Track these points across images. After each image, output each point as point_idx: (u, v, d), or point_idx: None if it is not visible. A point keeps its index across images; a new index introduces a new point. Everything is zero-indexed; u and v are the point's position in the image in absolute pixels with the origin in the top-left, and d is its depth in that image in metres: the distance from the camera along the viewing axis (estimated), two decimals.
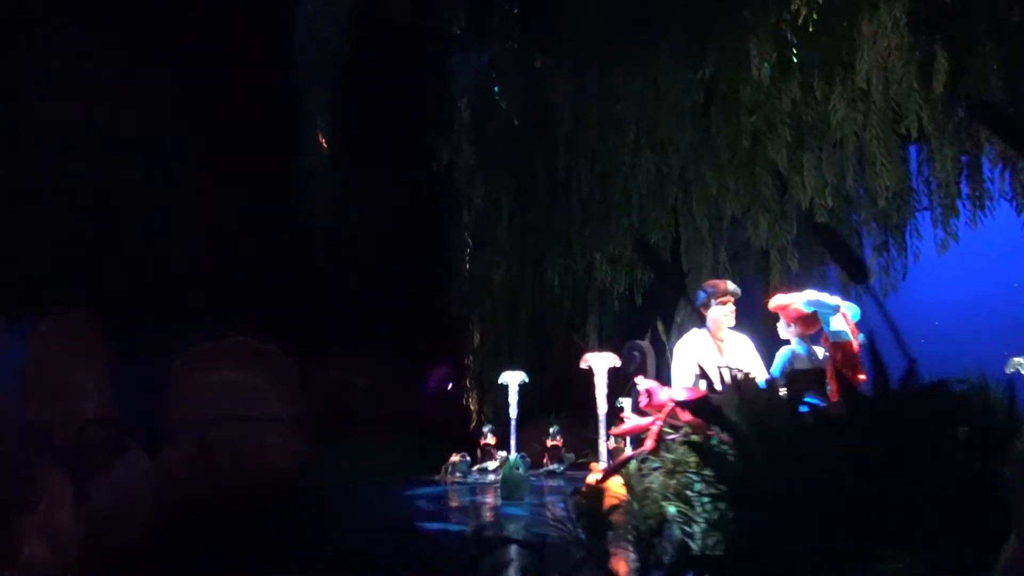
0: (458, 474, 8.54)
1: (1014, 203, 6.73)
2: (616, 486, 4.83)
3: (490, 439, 9.60)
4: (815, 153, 7.65)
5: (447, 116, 9.81)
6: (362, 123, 9.48)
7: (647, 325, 10.33)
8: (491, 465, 9.19)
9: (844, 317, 5.25)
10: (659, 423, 3.30)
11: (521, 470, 6.62)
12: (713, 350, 6.31)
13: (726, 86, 8.22)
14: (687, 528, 3.20)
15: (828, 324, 5.26)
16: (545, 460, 9.48)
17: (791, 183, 7.82)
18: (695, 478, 3.28)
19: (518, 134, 9.74)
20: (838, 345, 5.23)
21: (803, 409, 5.45)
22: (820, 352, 5.57)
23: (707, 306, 6.36)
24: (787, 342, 5.84)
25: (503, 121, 9.84)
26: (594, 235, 9.42)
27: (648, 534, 3.33)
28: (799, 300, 5.55)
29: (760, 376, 6.31)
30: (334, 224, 8.92)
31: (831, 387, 5.24)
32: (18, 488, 3.67)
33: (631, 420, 3.52)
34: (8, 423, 4.42)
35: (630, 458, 3.35)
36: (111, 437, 4.80)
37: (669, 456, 3.43)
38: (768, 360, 6.39)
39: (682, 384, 6.24)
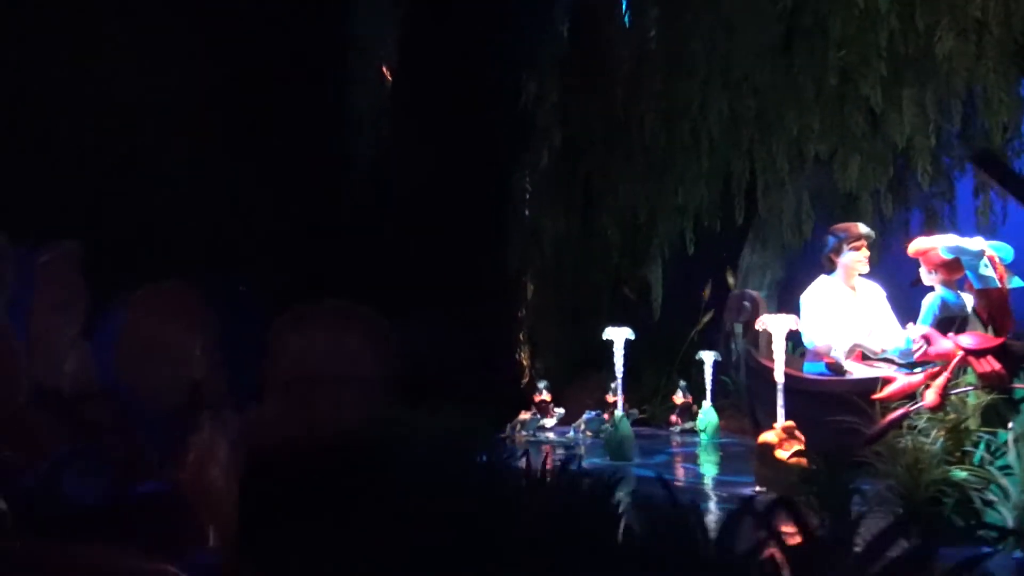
0: (526, 432, 8.12)
1: None
2: (781, 444, 4.43)
3: (545, 395, 9.15)
4: (915, 89, 7.19)
5: (519, 54, 9.18)
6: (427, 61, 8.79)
7: (704, 276, 9.93)
8: (548, 422, 8.77)
9: (992, 261, 4.85)
10: (946, 376, 2.87)
11: (627, 428, 6.20)
12: (846, 298, 5.90)
13: (810, 20, 7.72)
14: (984, 496, 2.80)
15: (971, 271, 4.86)
16: (673, 418, 8.92)
17: (886, 121, 7.37)
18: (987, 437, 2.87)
19: (585, 75, 9.15)
20: (983, 292, 4.83)
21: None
22: (968, 299, 5.18)
23: (838, 252, 5.94)
24: (931, 288, 5.44)
25: (571, 61, 9.25)
26: (658, 181, 8.93)
27: (927, 503, 2.93)
28: (939, 246, 5.13)
29: (893, 326, 5.94)
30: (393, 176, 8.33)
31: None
32: (168, 445, 3.19)
33: (899, 380, 3.09)
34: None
35: (902, 417, 2.92)
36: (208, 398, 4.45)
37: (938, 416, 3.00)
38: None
39: (814, 336, 5.85)
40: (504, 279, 9.45)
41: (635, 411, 9.07)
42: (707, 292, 9.53)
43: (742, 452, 6.59)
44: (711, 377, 7.87)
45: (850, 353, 5.64)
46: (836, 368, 5.72)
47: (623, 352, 6.69)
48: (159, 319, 4.33)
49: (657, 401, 9.23)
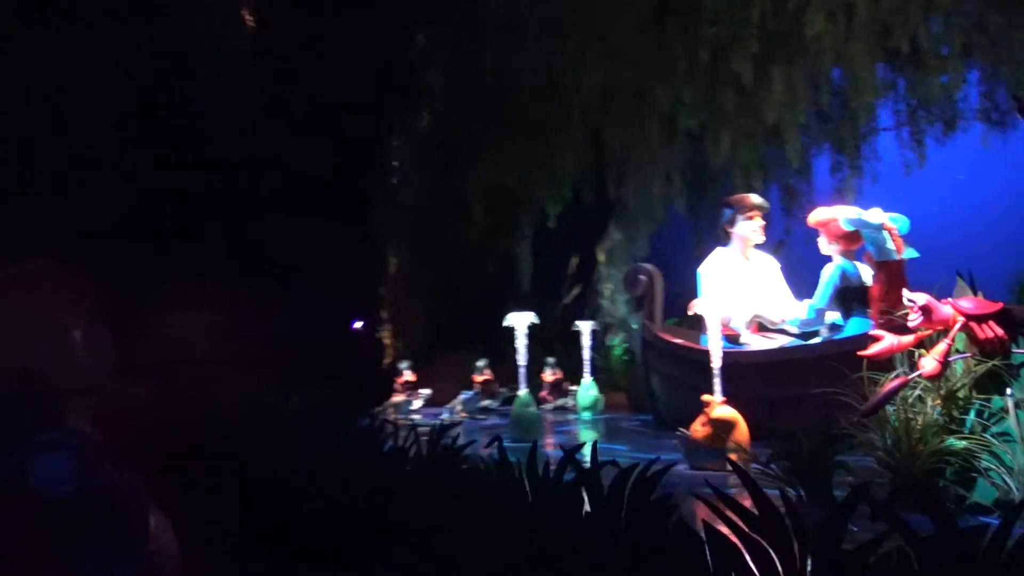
0: (401, 416, 7.65)
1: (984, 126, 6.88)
2: (732, 418, 4.28)
3: (409, 376, 8.70)
4: (785, 67, 7.37)
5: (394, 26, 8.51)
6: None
7: (570, 250, 9.84)
8: (416, 403, 8.34)
9: (891, 233, 5.00)
10: (947, 343, 2.78)
11: (532, 408, 5.90)
12: (742, 269, 5.91)
13: None
14: (991, 467, 2.73)
15: (871, 243, 4.99)
16: (543, 395, 8.69)
17: (757, 98, 7.52)
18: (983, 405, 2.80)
19: (456, 42, 8.67)
20: (883, 264, 4.98)
21: (850, 329, 5.20)
22: (865, 270, 5.33)
23: (732, 222, 5.93)
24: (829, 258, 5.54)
25: (443, 28, 8.73)
26: (529, 151, 8.68)
27: (927, 475, 2.83)
28: (841, 217, 5.23)
29: (787, 297, 6.03)
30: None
31: (874, 307, 5.02)
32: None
33: (887, 339, 2.98)
34: None
35: (900, 387, 2.81)
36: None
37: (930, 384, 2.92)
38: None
39: (711, 306, 5.80)
40: (366, 253, 8.86)
41: (504, 390, 8.83)
42: (573, 266, 9.45)
43: (636, 427, 6.49)
44: (589, 348, 7.71)
45: (750, 324, 5.66)
46: (735, 339, 5.73)
47: (526, 338, 6.38)
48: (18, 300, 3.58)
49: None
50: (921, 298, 2.89)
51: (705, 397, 4.26)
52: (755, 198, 5.90)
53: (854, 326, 5.18)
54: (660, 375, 6.24)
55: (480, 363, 8.44)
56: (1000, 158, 6.93)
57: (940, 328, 2.88)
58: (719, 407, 4.16)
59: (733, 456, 4.01)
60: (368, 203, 8.83)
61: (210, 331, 6.58)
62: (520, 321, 6.34)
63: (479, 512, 2.38)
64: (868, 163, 7.63)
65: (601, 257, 9.17)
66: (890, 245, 4.95)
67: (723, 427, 4.10)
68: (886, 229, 4.97)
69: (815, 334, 5.44)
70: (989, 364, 2.74)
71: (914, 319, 2.90)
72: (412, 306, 9.31)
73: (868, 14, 6.80)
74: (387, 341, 9.29)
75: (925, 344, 2.95)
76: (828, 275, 5.31)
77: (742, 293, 5.77)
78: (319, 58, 7.95)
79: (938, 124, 7.18)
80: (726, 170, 8.39)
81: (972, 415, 2.81)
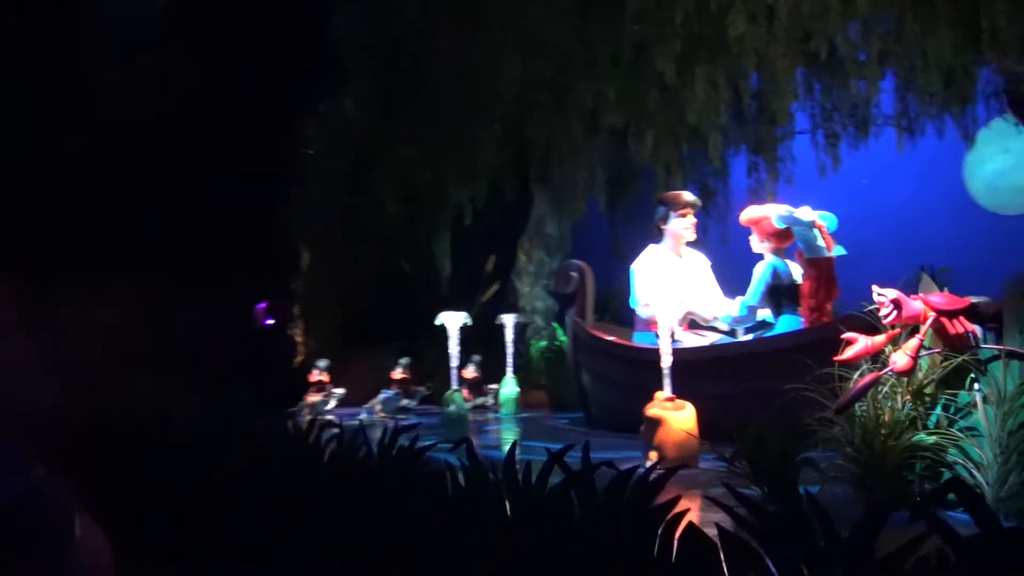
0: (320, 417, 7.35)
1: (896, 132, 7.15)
2: (671, 417, 4.22)
3: (323, 375, 8.37)
4: (708, 67, 7.44)
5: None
6: None
7: (488, 248, 9.67)
8: (331, 403, 8.03)
9: (821, 230, 5.10)
10: (919, 339, 2.77)
11: (460, 408, 5.70)
12: (674, 266, 5.90)
13: None
14: (959, 462, 2.74)
15: (803, 241, 5.06)
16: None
17: (680, 97, 7.56)
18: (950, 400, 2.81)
19: (371, 31, 8.37)
20: (813, 261, 5.08)
21: (781, 326, 5.27)
22: (795, 268, 5.41)
23: (666, 219, 5.92)
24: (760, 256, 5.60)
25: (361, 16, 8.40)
26: (447, 143, 8.47)
27: (897, 469, 2.82)
28: (772, 215, 5.30)
29: (717, 295, 6.06)
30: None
31: (804, 305, 5.10)
32: None
33: (860, 341, 2.95)
34: None
35: (874, 382, 2.79)
36: None
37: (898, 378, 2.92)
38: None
39: (646, 304, 5.77)
40: (277, 248, 8.45)
41: (421, 389, 8.62)
42: (492, 262, 9.30)
43: (567, 426, 6.40)
44: (512, 343, 7.57)
45: (682, 321, 5.65)
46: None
47: (458, 339, 6.18)
48: None
49: (440, 377, 8.80)
50: (891, 293, 2.90)
51: (658, 394, 4.20)
52: (688, 195, 5.91)
53: (785, 323, 5.25)
54: (592, 373, 6.18)
55: (403, 361, 8.19)
56: (911, 164, 7.23)
57: (910, 323, 2.89)
58: (658, 404, 4.10)
59: (652, 455, 3.97)
60: (279, 194, 8.44)
61: (102, 330, 6.14)
62: (452, 321, 6.14)
63: (451, 529, 2.18)
64: (784, 165, 7.80)
65: (521, 253, 9.07)
66: (820, 243, 5.03)
67: (652, 425, 4.04)
68: (816, 227, 5.06)
69: (748, 331, 5.49)
70: (958, 360, 2.76)
71: (885, 314, 2.91)
72: (325, 303, 8.96)
73: (789, 19, 6.92)
74: (299, 339, 8.91)
75: (894, 341, 2.96)
76: (760, 273, 5.36)
77: (675, 290, 5.76)
78: (224, 40, 7.52)
79: (851, 128, 7.40)
80: (646, 167, 8.46)
81: (938, 410, 2.83)
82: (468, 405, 8.18)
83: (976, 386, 2.73)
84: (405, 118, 8.68)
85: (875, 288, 2.99)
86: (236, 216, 8.17)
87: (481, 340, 8.77)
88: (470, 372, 8.33)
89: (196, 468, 2.96)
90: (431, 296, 8.51)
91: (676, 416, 4.04)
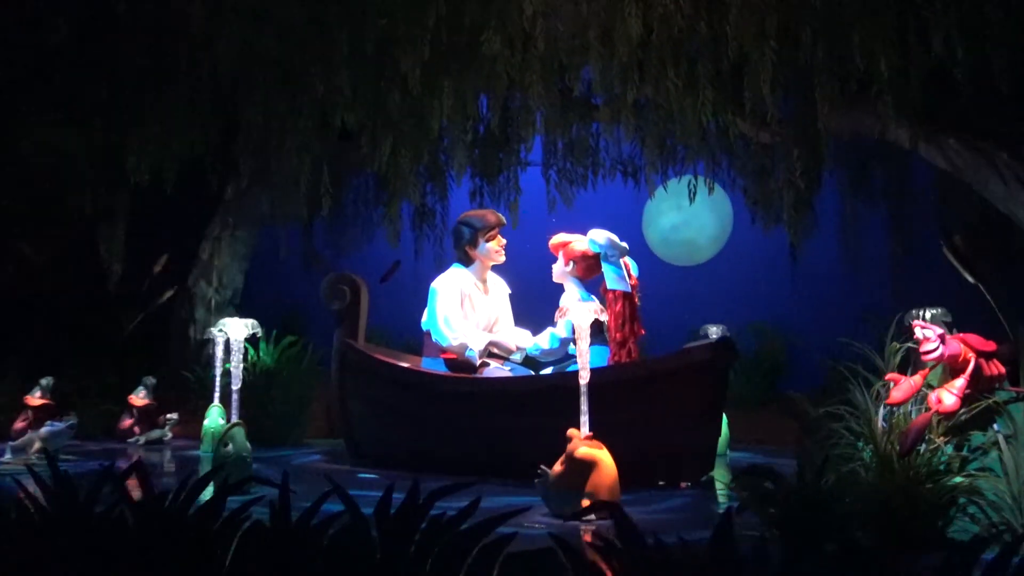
0: (39, 447, 5.24)
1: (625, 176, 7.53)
2: (603, 457, 3.66)
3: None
4: (457, 81, 7.05)
5: None
6: None
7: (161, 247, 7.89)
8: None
9: (627, 266, 5.12)
10: (965, 379, 2.67)
11: (241, 446, 4.28)
12: (478, 292, 5.36)
13: None
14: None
15: (611, 270, 5.00)
16: (128, 424, 6.52)
17: (424, 106, 7.03)
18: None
19: None
20: (618, 296, 5.02)
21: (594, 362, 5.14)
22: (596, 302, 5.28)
23: (474, 243, 5.34)
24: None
25: None
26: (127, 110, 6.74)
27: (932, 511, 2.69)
28: (588, 238, 5.16)
29: (509, 322, 5.59)
30: None
31: (611, 339, 5.02)
32: None
33: (904, 383, 2.74)
34: None
35: (927, 422, 2.62)
36: None
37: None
38: None
39: (452, 331, 5.10)
40: None
41: (71, 417, 6.66)
42: (162, 264, 7.57)
43: (324, 465, 5.35)
44: (219, 363, 6.14)
45: (484, 352, 5.14)
46: (461, 366, 5.15)
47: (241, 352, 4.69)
48: None
49: (90, 402, 6.87)
50: (938, 330, 2.85)
51: (571, 431, 3.63)
52: (495, 215, 5.42)
53: (594, 356, 5.06)
54: (364, 400, 5.30)
55: (44, 382, 6.17)
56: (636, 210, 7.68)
57: (950, 363, 2.87)
58: (583, 443, 3.57)
59: (585, 503, 3.50)
60: None
61: None
62: (237, 330, 4.75)
63: None
64: (511, 194, 7.70)
65: (204, 254, 7.60)
66: (625, 274, 4.98)
67: (583, 468, 3.53)
68: (622, 259, 5.00)
69: (555, 364, 5.19)
70: (987, 401, 2.81)
71: (928, 351, 2.84)
72: None
73: (547, 48, 6.90)
74: None
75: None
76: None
77: (479, 316, 5.24)
78: None
79: (580, 169, 7.58)
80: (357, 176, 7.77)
81: (949, 451, 2.84)
82: (140, 439, 6.55)
83: (995, 426, 2.80)
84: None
85: (917, 323, 2.94)
86: None
87: (145, 355, 7.14)
88: (140, 398, 6.64)
89: None
90: (93, 299, 6.64)
91: (606, 456, 3.54)
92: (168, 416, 6.60)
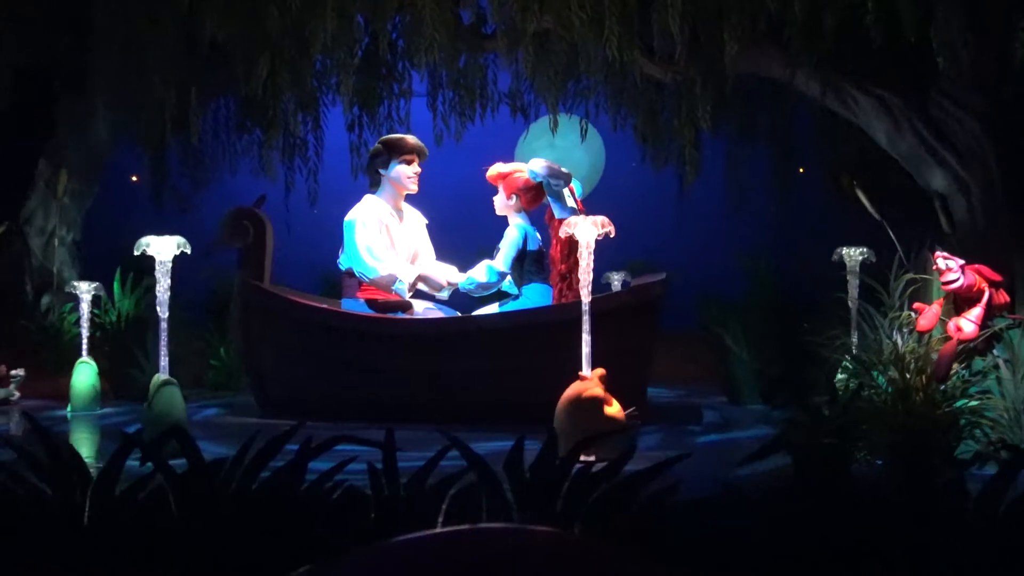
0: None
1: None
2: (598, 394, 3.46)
3: None
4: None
5: None
6: None
7: None
8: None
9: (571, 190, 5.01)
10: (982, 307, 2.73)
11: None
12: (395, 223, 4.98)
13: None
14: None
15: (554, 199, 4.88)
16: None
17: (303, 24, 6.36)
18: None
19: None
20: (563, 223, 4.88)
21: (530, 295, 5.00)
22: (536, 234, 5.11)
23: (386, 165, 4.95)
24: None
25: None
26: None
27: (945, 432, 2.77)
28: (528, 169, 4.98)
29: (431, 255, 5.22)
30: None
31: (554, 272, 4.90)
32: None
33: (928, 311, 2.74)
34: None
35: (955, 348, 2.67)
36: None
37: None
38: None
39: (378, 260, 4.69)
40: None
41: (19, 372, 5.65)
42: None
43: (235, 421, 4.78)
44: (86, 314, 5.34)
45: (412, 288, 4.81)
46: (384, 306, 4.80)
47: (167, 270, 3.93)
48: None
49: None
50: (959, 260, 2.91)
51: (582, 373, 3.42)
52: (413, 140, 5.04)
53: (534, 292, 4.90)
54: (275, 346, 4.80)
55: None
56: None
57: (965, 293, 2.94)
58: (587, 383, 3.38)
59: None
60: None
61: None
62: (165, 248, 3.97)
63: None
64: (393, 127, 7.22)
65: (41, 185, 6.54)
66: (571, 203, 4.85)
67: (588, 407, 3.36)
68: (568, 186, 4.87)
69: (490, 300, 4.96)
70: (995, 328, 2.93)
71: (949, 280, 2.90)
72: None
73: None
74: None
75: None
76: (513, 237, 4.90)
77: (399, 248, 4.87)
78: None
79: (468, 101, 7.21)
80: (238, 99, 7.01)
81: (966, 375, 2.97)
82: None
83: (994, 351, 2.94)
84: None
85: (939, 254, 2.98)
86: None
87: None
88: None
89: None
90: None
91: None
92: (14, 372, 5.69)
